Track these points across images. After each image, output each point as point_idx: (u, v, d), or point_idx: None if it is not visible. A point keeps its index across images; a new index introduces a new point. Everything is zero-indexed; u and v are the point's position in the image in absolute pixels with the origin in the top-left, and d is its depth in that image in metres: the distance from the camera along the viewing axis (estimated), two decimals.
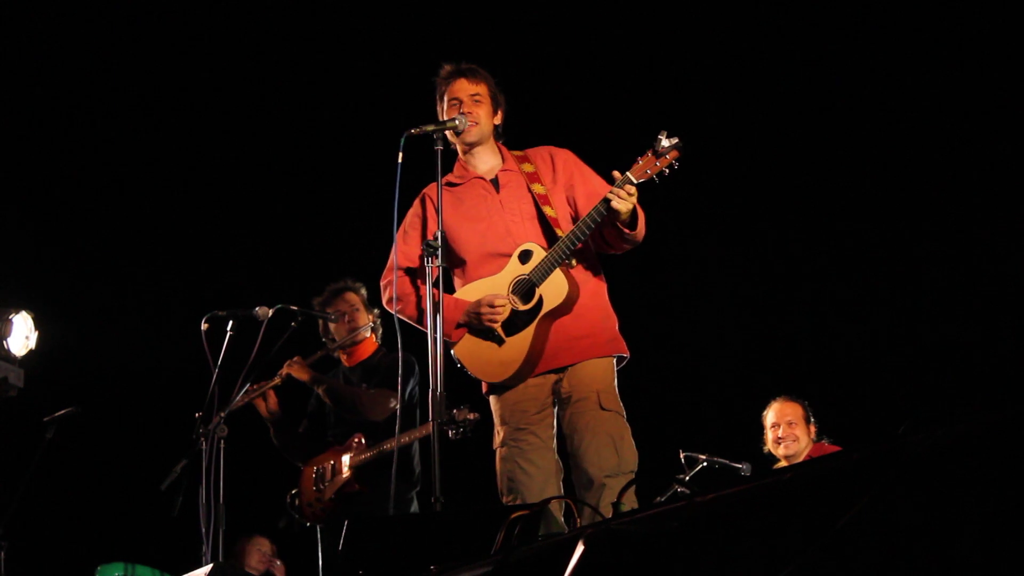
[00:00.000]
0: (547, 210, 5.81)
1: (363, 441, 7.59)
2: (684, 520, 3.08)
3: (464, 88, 5.99)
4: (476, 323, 5.75)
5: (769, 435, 7.98)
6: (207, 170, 11.19)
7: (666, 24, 9.59)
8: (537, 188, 5.87)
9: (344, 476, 7.55)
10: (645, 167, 5.44)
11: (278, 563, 9.74)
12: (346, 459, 7.59)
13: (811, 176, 9.46)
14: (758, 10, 9.51)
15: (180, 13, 10.75)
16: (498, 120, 6.06)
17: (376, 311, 7.86)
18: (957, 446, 2.57)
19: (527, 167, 5.96)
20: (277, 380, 7.75)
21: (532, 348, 5.68)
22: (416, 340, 5.85)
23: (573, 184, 5.91)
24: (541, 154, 6.04)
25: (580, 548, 3.17)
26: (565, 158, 6.00)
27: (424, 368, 5.64)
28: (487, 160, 6.03)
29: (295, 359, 7.78)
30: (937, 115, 8.70)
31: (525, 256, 5.71)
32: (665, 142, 5.44)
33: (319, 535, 7.67)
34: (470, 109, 5.93)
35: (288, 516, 7.82)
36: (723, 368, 9.53)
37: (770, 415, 8.00)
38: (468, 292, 5.84)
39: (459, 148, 6.03)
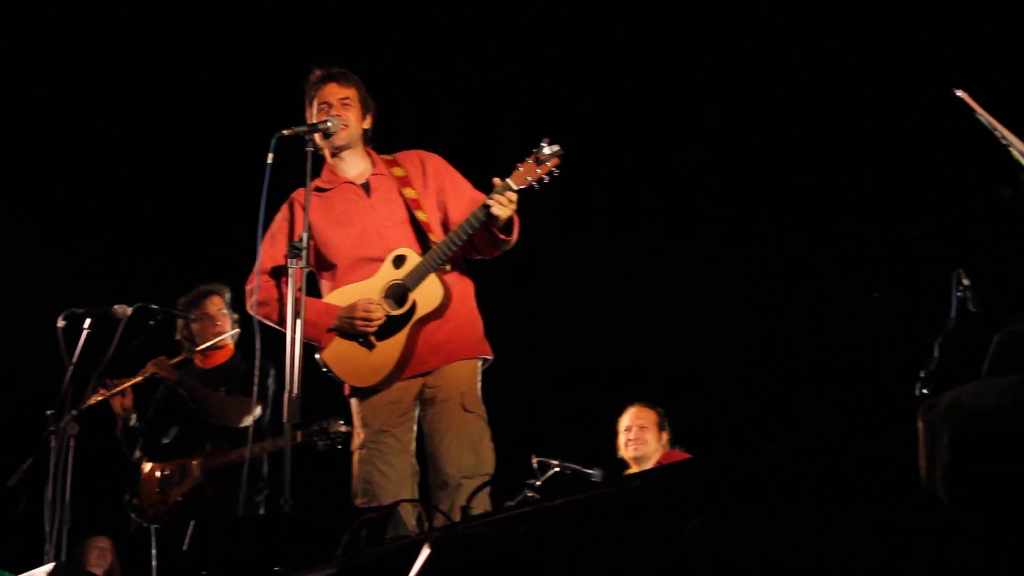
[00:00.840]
0: (419, 214, 5.79)
1: (216, 447, 7.51)
2: (532, 525, 3.06)
3: (334, 92, 5.94)
4: (349, 328, 5.70)
5: (621, 438, 8.06)
6: (70, 166, 11.02)
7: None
8: (408, 192, 5.84)
9: (195, 479, 7.46)
10: (526, 174, 5.44)
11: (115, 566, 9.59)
12: (197, 463, 7.50)
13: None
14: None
15: None
16: (368, 124, 6.02)
17: (236, 316, 7.79)
18: (801, 459, 2.57)
19: (397, 171, 5.93)
20: (139, 378, 7.63)
21: (403, 353, 5.65)
22: (274, 343, 5.77)
23: (444, 189, 5.89)
24: (411, 158, 6.01)
25: (426, 551, 3.14)
26: (436, 163, 5.98)
27: (281, 371, 5.58)
28: (357, 164, 5.98)
29: (160, 358, 7.67)
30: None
31: (399, 261, 5.67)
32: (547, 149, 5.44)
33: (153, 536, 7.55)
34: (339, 112, 5.89)
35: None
36: (582, 374, 9.53)
37: (624, 419, 8.10)
38: (339, 297, 5.78)
39: (327, 153, 5.97)
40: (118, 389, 7.55)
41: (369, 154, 6.02)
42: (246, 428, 7.42)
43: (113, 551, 9.42)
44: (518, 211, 5.60)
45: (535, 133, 5.61)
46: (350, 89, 5.96)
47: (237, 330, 7.82)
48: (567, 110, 9.26)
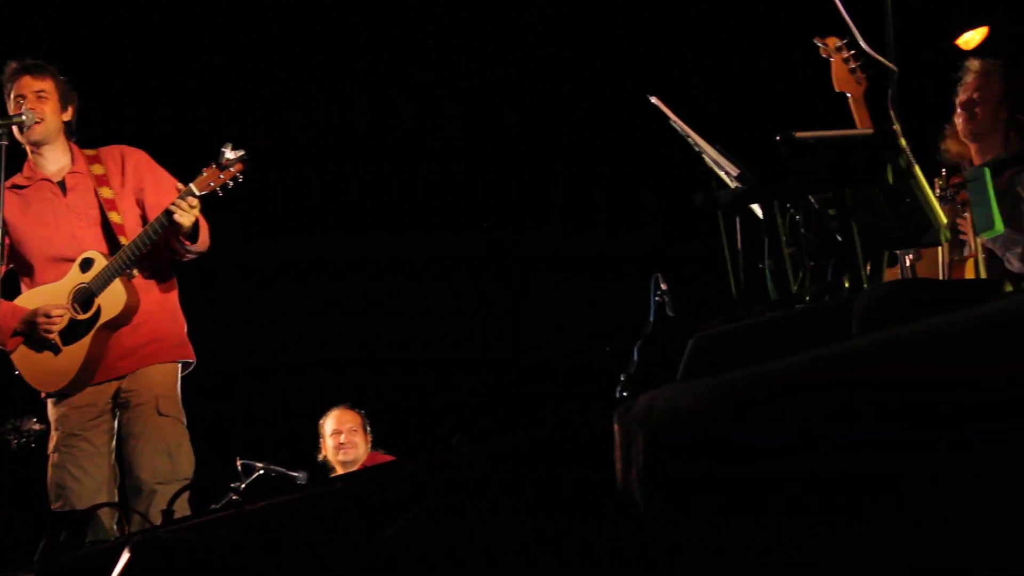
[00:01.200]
0: (112, 216, 5.64)
1: None
2: (234, 528, 3.04)
3: (28, 84, 5.73)
4: (32, 332, 5.56)
5: (329, 442, 8.03)
6: None
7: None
8: (105, 192, 5.69)
9: None
10: (209, 179, 5.35)
11: None
12: None
13: None
14: None
15: None
16: (68, 117, 5.81)
17: None
18: (505, 458, 2.62)
19: (97, 169, 5.76)
20: None
21: (88, 358, 5.51)
22: None
23: (143, 188, 5.74)
24: (112, 154, 5.83)
25: (126, 555, 3.10)
26: (137, 160, 5.81)
27: None
28: (57, 160, 5.80)
29: None
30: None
31: (86, 264, 5.53)
32: (229, 154, 5.36)
33: None
34: (34, 106, 5.71)
35: None
36: (288, 376, 9.46)
37: (329, 422, 8.06)
38: (28, 299, 5.63)
39: (27, 148, 5.80)
40: None
41: (71, 149, 5.84)
42: None
43: None
44: (204, 214, 5.53)
45: None
46: (46, 81, 5.74)
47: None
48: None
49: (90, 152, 5.82)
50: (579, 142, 8.79)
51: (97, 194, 5.65)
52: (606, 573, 2.36)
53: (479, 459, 2.64)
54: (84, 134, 5.94)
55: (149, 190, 5.72)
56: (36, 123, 5.64)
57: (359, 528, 2.75)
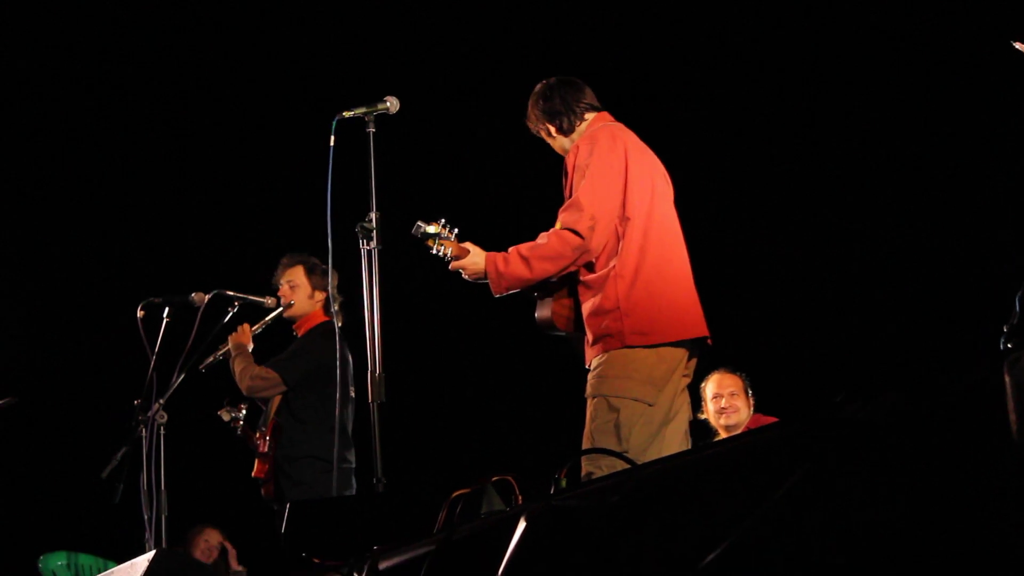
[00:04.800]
0: None
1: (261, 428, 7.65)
2: (626, 493, 3.09)
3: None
4: None
5: (710, 406, 8.01)
6: (141, 155, 11.11)
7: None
8: None
9: (257, 466, 7.59)
10: None
11: (228, 547, 9.68)
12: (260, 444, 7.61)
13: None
14: None
15: None
16: None
17: (333, 283, 7.78)
18: (895, 414, 2.59)
19: None
20: (222, 349, 7.75)
21: None
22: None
23: None
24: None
25: (523, 524, 3.18)
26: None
27: (359, 348, 5.63)
28: None
29: (243, 326, 7.76)
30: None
31: None
32: None
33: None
34: None
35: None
36: None
37: (710, 386, 8.04)
38: None
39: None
40: (211, 362, 7.67)
41: None
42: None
43: (221, 544, 9.51)
44: None
45: None
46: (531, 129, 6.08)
47: (293, 303, 7.84)
48: None
49: None
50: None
51: None
52: (1004, 531, 2.32)
53: (865, 417, 2.62)
54: None
55: None
56: None
57: (749, 491, 2.76)
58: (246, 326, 7.76)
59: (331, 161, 5.63)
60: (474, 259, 5.68)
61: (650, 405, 5.60)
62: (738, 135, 9.54)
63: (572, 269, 5.65)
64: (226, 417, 7.56)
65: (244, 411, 7.57)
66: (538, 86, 5.99)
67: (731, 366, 8.06)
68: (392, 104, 5.82)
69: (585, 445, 5.59)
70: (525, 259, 5.60)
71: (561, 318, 5.81)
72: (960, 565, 2.39)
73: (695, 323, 5.77)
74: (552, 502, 3.27)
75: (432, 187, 9.43)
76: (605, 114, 5.95)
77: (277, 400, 7.66)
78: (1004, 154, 8.12)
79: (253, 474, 7.59)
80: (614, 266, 5.62)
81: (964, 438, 2.43)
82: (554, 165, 5.96)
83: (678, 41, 9.59)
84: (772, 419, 7.78)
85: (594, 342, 5.64)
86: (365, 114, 5.77)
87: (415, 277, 8.04)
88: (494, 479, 4.15)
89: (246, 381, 7.61)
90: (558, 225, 5.65)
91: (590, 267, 5.67)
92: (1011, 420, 2.31)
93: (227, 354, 7.78)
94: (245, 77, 10.85)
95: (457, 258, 5.67)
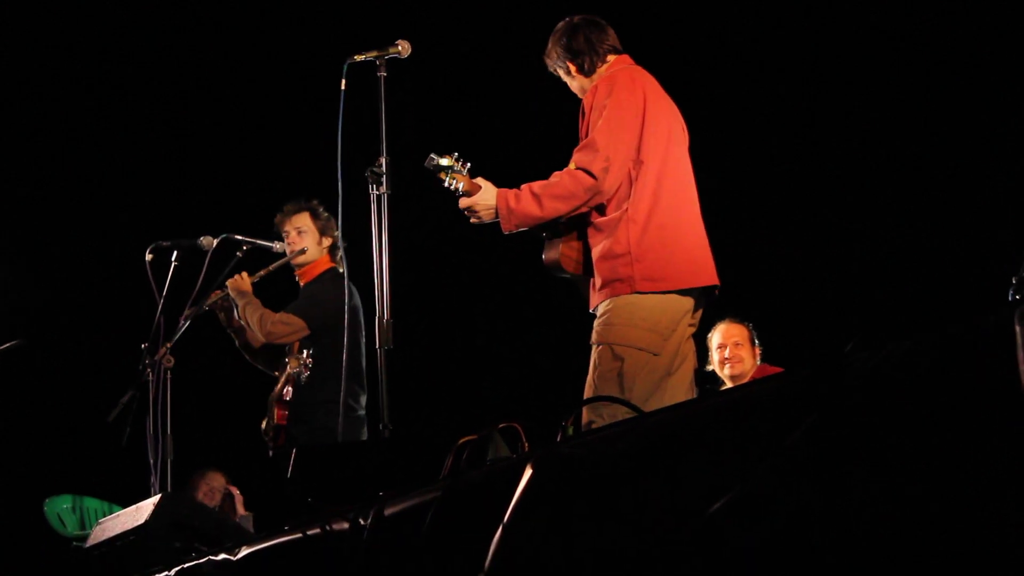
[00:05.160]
0: None
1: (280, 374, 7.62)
2: (633, 441, 3.08)
3: None
4: None
5: (715, 356, 8.02)
6: (148, 99, 11.10)
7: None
8: None
9: (272, 409, 7.56)
10: None
11: (234, 492, 9.71)
12: (276, 389, 7.60)
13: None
14: None
15: None
16: None
17: (337, 233, 7.76)
18: (904, 364, 2.57)
19: None
20: (221, 292, 7.70)
21: None
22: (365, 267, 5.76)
23: None
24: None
25: (528, 471, 3.18)
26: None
27: (369, 295, 5.62)
28: None
29: (240, 274, 7.72)
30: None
31: None
32: None
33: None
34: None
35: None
36: None
37: (716, 336, 8.04)
38: None
39: None
40: (204, 309, 7.59)
41: None
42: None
43: (226, 488, 9.53)
44: None
45: None
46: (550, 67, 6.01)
47: (306, 249, 7.81)
48: None
49: None
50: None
51: None
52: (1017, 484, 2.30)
53: (875, 365, 2.61)
54: None
55: None
56: None
57: (757, 439, 2.75)
58: (244, 274, 7.72)
59: (342, 105, 5.62)
60: (485, 195, 5.62)
61: (655, 355, 5.57)
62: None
63: (583, 210, 5.60)
64: (295, 365, 7.44)
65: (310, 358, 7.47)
66: (561, 24, 5.93)
67: (738, 316, 8.06)
68: (403, 48, 5.80)
69: (588, 393, 5.56)
70: (537, 196, 5.54)
71: (569, 260, 5.77)
72: (966, 517, 2.38)
73: (706, 271, 5.73)
74: (558, 449, 3.27)
75: (443, 132, 9.39)
76: (626, 56, 5.91)
77: (296, 347, 7.63)
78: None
79: (276, 421, 7.54)
80: (627, 210, 5.57)
81: (974, 388, 2.41)
82: (569, 105, 5.92)
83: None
84: (778, 369, 7.78)
85: (602, 286, 5.59)
86: (377, 58, 5.74)
87: (425, 222, 8.03)
88: (500, 426, 4.15)
89: (267, 326, 7.57)
90: (572, 165, 5.62)
91: (601, 209, 5.62)
92: (1021, 371, 2.29)
93: (223, 300, 7.74)
94: (258, 21, 10.82)
95: (468, 193, 5.62)
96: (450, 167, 5.56)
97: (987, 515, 2.34)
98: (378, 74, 5.72)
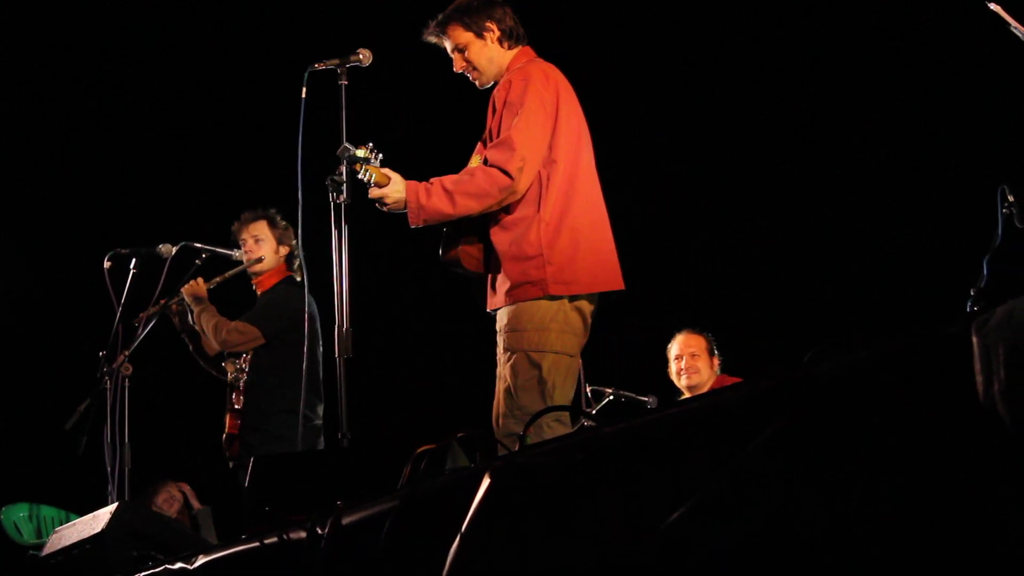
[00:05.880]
0: None
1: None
2: (591, 451, 3.08)
3: (447, 48, 5.90)
4: None
5: (673, 367, 8.03)
6: (109, 103, 11.06)
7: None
8: None
9: (226, 418, 7.52)
10: None
11: (185, 488, 9.65)
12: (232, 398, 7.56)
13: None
14: None
15: None
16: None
17: (294, 242, 7.74)
18: (863, 374, 2.58)
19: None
20: (175, 298, 7.65)
21: None
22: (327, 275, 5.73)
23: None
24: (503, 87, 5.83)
25: (487, 481, 3.17)
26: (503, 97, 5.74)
27: (327, 304, 5.60)
28: None
29: (195, 280, 7.66)
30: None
31: None
32: None
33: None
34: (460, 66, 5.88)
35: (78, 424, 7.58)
36: (629, 300, 9.50)
37: (674, 347, 8.05)
38: None
39: None
40: (157, 312, 7.53)
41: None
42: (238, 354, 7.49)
43: (185, 498, 9.48)
44: None
45: None
46: (449, 35, 5.84)
47: (288, 253, 7.78)
48: None
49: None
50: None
51: None
52: (972, 490, 2.32)
53: (834, 375, 2.62)
54: None
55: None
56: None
57: (714, 450, 2.75)
58: (200, 280, 7.68)
59: (303, 113, 5.60)
60: (395, 187, 5.48)
61: (571, 356, 5.55)
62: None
63: (494, 209, 5.51)
64: (231, 370, 7.37)
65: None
66: None
67: (697, 327, 8.08)
68: (364, 56, 5.78)
69: (502, 403, 5.47)
70: (449, 193, 5.44)
71: (470, 258, 5.68)
72: (931, 520, 2.39)
73: (615, 275, 5.67)
74: (516, 459, 3.27)
75: (403, 140, 9.38)
76: (530, 48, 5.87)
77: (249, 356, 7.59)
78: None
79: (228, 430, 7.51)
80: (538, 210, 5.49)
81: (932, 399, 2.43)
82: None
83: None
84: (736, 379, 7.77)
85: (511, 288, 5.49)
86: (338, 66, 5.72)
87: (384, 232, 8.02)
88: (459, 435, 4.15)
89: (221, 335, 7.53)
90: (476, 161, 5.59)
91: (508, 208, 5.53)
92: (977, 381, 2.30)
93: (177, 303, 7.69)
94: (217, 28, 10.79)
95: (379, 185, 5.50)
96: (365, 159, 5.44)
97: (950, 521, 2.35)
98: (339, 82, 5.70)
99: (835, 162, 9.00)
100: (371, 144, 5.48)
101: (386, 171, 5.50)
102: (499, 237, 5.56)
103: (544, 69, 5.72)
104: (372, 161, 5.45)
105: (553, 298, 5.47)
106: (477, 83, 5.89)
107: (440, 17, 5.84)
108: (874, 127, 8.82)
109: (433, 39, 5.89)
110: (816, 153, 9.08)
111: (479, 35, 5.77)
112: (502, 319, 5.56)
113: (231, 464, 7.51)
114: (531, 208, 5.51)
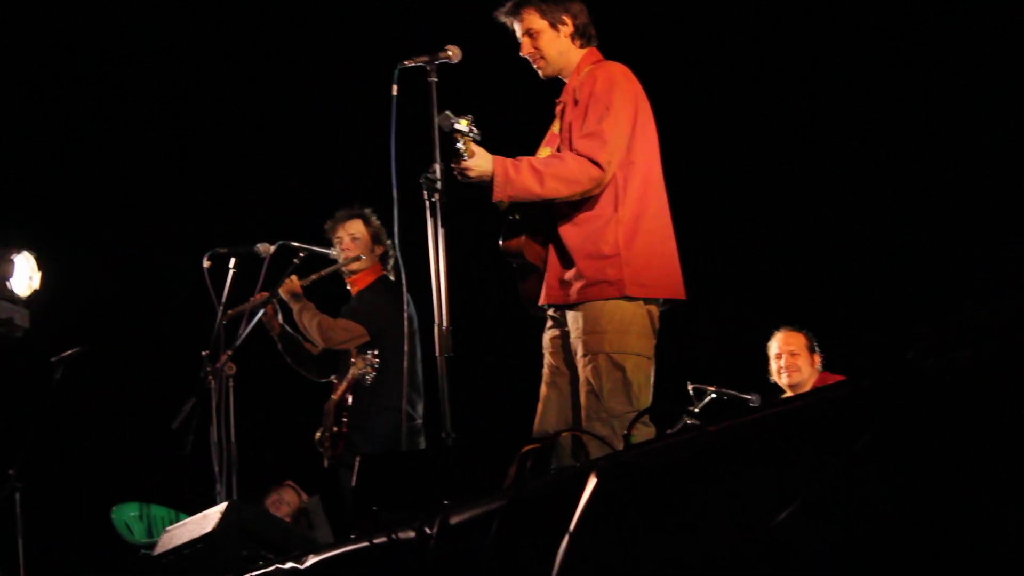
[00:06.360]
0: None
1: (337, 381, 7.61)
2: (695, 450, 3.10)
3: (517, 30, 5.87)
4: None
5: (773, 365, 7.96)
6: (208, 105, 11.17)
7: None
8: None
9: (331, 416, 7.54)
10: None
11: (290, 484, 9.72)
12: (332, 400, 7.59)
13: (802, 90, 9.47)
14: None
15: None
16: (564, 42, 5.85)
17: (388, 241, 7.78)
18: (966, 370, 2.58)
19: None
20: (267, 294, 7.65)
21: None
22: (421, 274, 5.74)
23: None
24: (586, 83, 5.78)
25: (593, 480, 3.20)
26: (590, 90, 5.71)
27: (426, 303, 5.61)
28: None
29: (291, 278, 7.68)
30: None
31: None
32: None
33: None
34: (528, 50, 5.84)
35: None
36: (730, 298, 9.47)
37: (773, 345, 7.97)
38: None
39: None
40: (250, 307, 7.57)
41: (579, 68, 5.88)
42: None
43: (294, 500, 9.55)
44: None
45: None
46: (524, 18, 5.81)
47: (363, 256, 7.81)
48: None
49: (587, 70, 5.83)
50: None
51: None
52: None
53: (938, 373, 2.62)
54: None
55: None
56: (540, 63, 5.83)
57: (818, 449, 2.76)
58: (295, 277, 7.70)
59: (394, 111, 5.61)
60: (480, 160, 5.43)
61: (649, 359, 5.54)
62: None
63: (576, 199, 5.49)
64: (360, 366, 7.36)
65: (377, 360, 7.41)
66: None
67: (796, 324, 8.01)
68: (454, 53, 5.74)
69: (589, 407, 5.44)
70: (538, 172, 5.42)
71: (532, 250, 5.69)
72: None
73: (680, 284, 5.67)
74: (622, 458, 3.29)
75: (494, 136, 9.41)
76: (597, 50, 5.88)
77: (353, 354, 7.62)
78: None
79: (335, 428, 7.54)
80: (615, 210, 5.50)
81: None
82: None
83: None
84: (839, 377, 7.69)
85: (585, 286, 5.48)
86: (427, 63, 5.69)
87: (480, 228, 8.05)
88: (564, 434, 4.18)
89: (326, 332, 7.56)
90: (545, 152, 5.65)
91: (580, 205, 5.54)
92: None
93: (270, 303, 7.70)
94: (310, 26, 10.86)
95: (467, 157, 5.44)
96: (468, 132, 5.39)
97: None
98: (429, 79, 5.70)
99: (945, 155, 8.91)
100: (471, 116, 5.45)
101: (473, 146, 5.46)
102: (570, 233, 5.56)
103: (626, 71, 5.72)
104: (473, 136, 5.44)
105: (630, 299, 5.48)
106: (540, 72, 5.88)
107: None
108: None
109: (505, 19, 5.89)
110: (923, 140, 8.99)
111: (553, 25, 5.77)
112: (576, 319, 5.55)
113: (326, 463, 7.57)
114: (608, 207, 5.52)
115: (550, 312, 5.76)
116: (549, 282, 5.63)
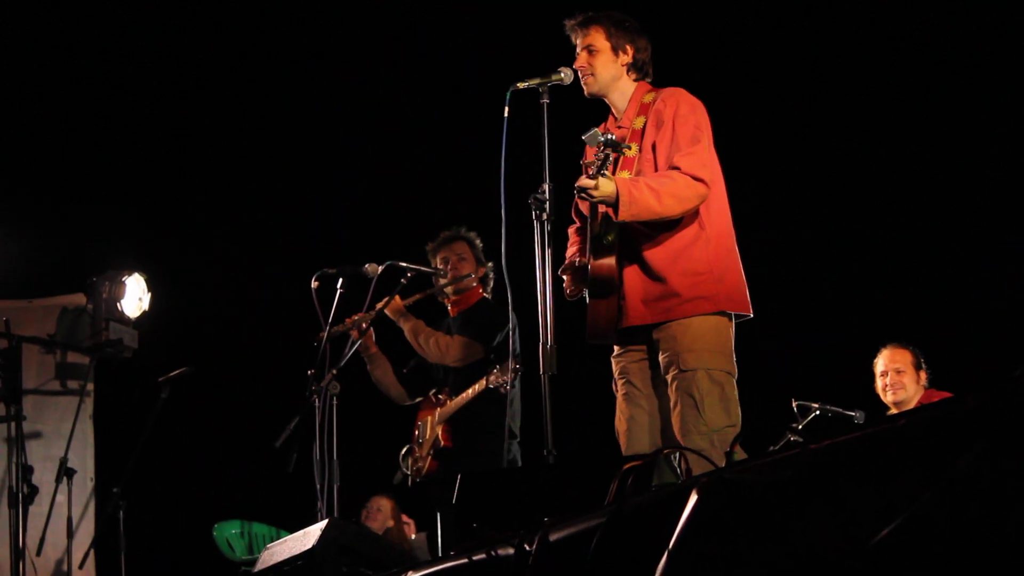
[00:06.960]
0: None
1: (446, 395, 7.65)
2: (798, 468, 3.07)
3: (579, 42, 5.93)
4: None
5: (878, 382, 7.91)
6: (316, 128, 11.28)
7: None
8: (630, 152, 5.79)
9: (436, 432, 7.59)
10: None
11: (406, 520, 9.80)
12: (436, 414, 7.63)
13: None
14: None
15: None
16: (626, 59, 5.91)
17: (490, 264, 7.86)
18: None
19: (638, 122, 5.87)
20: (371, 314, 7.70)
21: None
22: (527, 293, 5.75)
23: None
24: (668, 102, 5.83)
25: (694, 498, 3.18)
26: (674, 110, 5.78)
27: (531, 321, 5.62)
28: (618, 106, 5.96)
29: (393, 298, 7.74)
30: None
31: None
32: None
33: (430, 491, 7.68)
34: (582, 64, 5.87)
35: (403, 472, 7.85)
36: (835, 315, 9.42)
37: (879, 362, 7.93)
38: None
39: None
40: (352, 325, 7.64)
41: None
42: (470, 371, 7.53)
43: (390, 512, 9.61)
44: None
45: None
46: (590, 34, 5.88)
47: (484, 274, 7.88)
48: None
49: (650, 94, 5.89)
50: None
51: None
52: None
53: None
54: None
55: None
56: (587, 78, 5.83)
57: (923, 467, 2.73)
58: (397, 298, 7.76)
59: (505, 132, 5.63)
60: (603, 181, 5.39)
61: (734, 375, 5.60)
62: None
63: (679, 216, 5.55)
64: (496, 376, 7.34)
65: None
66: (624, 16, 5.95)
67: (903, 340, 7.95)
68: (566, 75, 5.78)
69: (687, 420, 5.47)
70: (655, 191, 5.43)
71: (612, 271, 5.64)
72: None
73: (748, 301, 5.73)
74: (724, 475, 3.26)
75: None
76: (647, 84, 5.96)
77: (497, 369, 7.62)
78: None
79: (443, 443, 7.60)
80: (703, 228, 5.59)
81: None
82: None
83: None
84: (946, 394, 7.63)
85: (682, 303, 5.54)
86: (539, 85, 5.71)
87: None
88: (665, 451, 4.16)
89: (443, 349, 7.65)
90: (625, 175, 5.60)
91: (668, 225, 5.60)
92: None
93: (366, 323, 7.72)
94: (421, 49, 10.93)
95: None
96: (618, 146, 5.41)
97: None
98: (541, 101, 5.72)
99: None
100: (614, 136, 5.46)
101: None
102: (658, 253, 5.63)
103: (692, 98, 5.80)
104: (617, 151, 5.46)
105: (723, 314, 5.57)
106: (585, 89, 5.91)
107: (590, 13, 5.94)
108: None
109: (570, 28, 5.97)
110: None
111: (615, 50, 5.87)
112: (670, 337, 5.59)
113: (411, 479, 7.62)
114: (694, 226, 5.61)
115: (625, 337, 5.80)
116: (632, 304, 5.67)
